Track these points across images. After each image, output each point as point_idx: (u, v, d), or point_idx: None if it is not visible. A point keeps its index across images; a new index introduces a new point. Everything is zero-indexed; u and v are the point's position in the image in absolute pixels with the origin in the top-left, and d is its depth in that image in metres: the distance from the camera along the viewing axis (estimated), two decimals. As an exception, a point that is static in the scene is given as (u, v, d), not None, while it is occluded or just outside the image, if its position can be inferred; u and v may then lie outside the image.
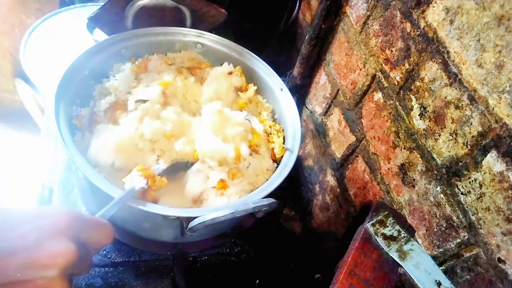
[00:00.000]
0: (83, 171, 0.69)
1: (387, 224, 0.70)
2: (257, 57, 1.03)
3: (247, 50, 1.03)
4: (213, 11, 1.07)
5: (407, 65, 0.73)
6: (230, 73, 1.00)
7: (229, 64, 1.03)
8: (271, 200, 0.72)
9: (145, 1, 0.96)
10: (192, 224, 0.69)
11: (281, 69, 1.09)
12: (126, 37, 0.96)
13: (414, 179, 0.72)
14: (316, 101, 1.13)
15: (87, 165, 0.71)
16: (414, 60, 0.71)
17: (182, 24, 1.05)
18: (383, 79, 0.81)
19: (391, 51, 0.78)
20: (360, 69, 0.89)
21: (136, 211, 0.68)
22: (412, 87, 0.72)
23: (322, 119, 1.09)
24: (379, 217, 0.71)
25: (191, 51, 1.06)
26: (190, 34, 1.04)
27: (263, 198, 0.74)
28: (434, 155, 0.67)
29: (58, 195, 0.95)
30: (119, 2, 0.97)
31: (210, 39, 1.05)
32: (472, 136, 0.59)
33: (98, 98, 0.90)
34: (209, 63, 1.05)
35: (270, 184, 0.79)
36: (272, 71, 1.02)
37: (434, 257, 0.66)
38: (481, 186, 0.57)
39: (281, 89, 0.99)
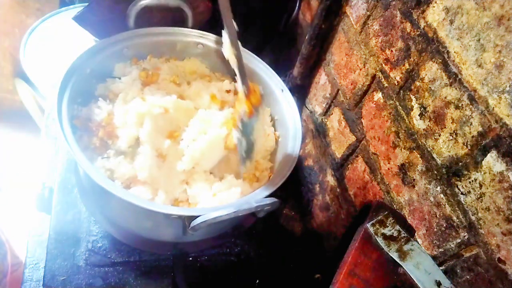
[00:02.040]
0: (83, 168, 0.69)
1: (387, 224, 0.70)
2: (257, 57, 1.03)
3: (248, 51, 1.03)
4: (202, 6, 1.07)
5: (407, 65, 0.73)
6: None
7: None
8: (274, 199, 0.72)
9: (147, 1, 0.96)
10: (195, 223, 0.69)
11: (281, 69, 1.09)
12: (127, 36, 0.96)
13: (414, 179, 0.72)
14: (316, 101, 1.13)
15: (88, 162, 0.71)
16: (414, 60, 0.72)
17: (184, 25, 1.05)
18: (383, 79, 0.81)
19: (391, 51, 0.78)
20: (360, 69, 0.89)
21: (138, 210, 0.68)
22: (412, 87, 0.72)
23: (322, 119, 1.09)
24: (379, 217, 0.71)
25: (194, 59, 1.06)
26: (191, 35, 1.04)
27: (265, 197, 0.75)
28: (434, 155, 0.67)
29: (58, 195, 0.95)
30: (104, 2, 0.96)
31: (211, 40, 1.05)
32: (472, 136, 0.59)
33: (98, 98, 0.90)
34: (210, 76, 1.04)
35: (271, 184, 0.79)
36: (273, 72, 1.02)
37: (434, 257, 0.66)
38: (481, 186, 0.57)
39: (282, 90, 0.99)
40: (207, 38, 1.05)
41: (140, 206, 0.67)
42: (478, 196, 0.58)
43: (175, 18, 1.06)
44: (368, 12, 0.85)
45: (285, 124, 0.97)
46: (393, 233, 0.69)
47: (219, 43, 1.05)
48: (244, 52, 1.04)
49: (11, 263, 0.98)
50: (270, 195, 0.76)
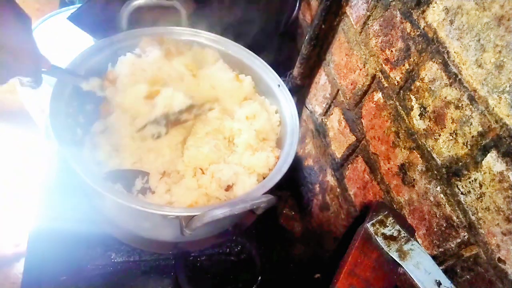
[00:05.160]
0: (83, 176, 0.69)
1: (387, 224, 0.70)
2: (253, 54, 1.03)
3: (243, 47, 1.03)
4: (191, 8, 1.06)
5: (407, 65, 0.74)
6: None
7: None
8: (269, 196, 0.72)
9: (141, 2, 0.95)
10: (191, 222, 0.69)
11: (281, 69, 1.09)
12: (121, 38, 0.96)
13: (414, 179, 0.72)
14: (316, 101, 1.13)
15: (82, 165, 0.71)
16: (414, 60, 0.72)
17: (178, 24, 1.05)
18: (383, 79, 0.81)
19: (391, 51, 0.78)
20: (360, 69, 0.89)
21: (136, 212, 0.68)
22: (412, 87, 0.72)
23: (322, 119, 1.09)
24: (379, 217, 0.71)
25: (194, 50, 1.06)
26: (185, 33, 1.04)
27: (262, 194, 0.75)
28: (434, 155, 0.67)
29: (58, 195, 0.95)
30: (98, 2, 0.96)
31: (206, 38, 1.04)
32: (472, 136, 0.59)
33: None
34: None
35: (269, 181, 0.79)
36: (269, 67, 1.02)
37: (434, 257, 0.66)
38: (481, 186, 0.57)
39: (279, 85, 0.99)
40: (202, 36, 1.04)
41: (136, 208, 0.67)
42: (478, 196, 0.58)
43: (168, 17, 1.05)
44: (368, 13, 0.85)
45: (283, 120, 0.97)
46: (393, 233, 0.69)
47: (213, 40, 1.05)
48: (240, 49, 1.04)
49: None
50: (268, 192, 0.76)
